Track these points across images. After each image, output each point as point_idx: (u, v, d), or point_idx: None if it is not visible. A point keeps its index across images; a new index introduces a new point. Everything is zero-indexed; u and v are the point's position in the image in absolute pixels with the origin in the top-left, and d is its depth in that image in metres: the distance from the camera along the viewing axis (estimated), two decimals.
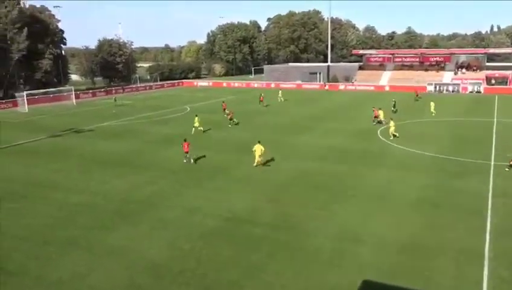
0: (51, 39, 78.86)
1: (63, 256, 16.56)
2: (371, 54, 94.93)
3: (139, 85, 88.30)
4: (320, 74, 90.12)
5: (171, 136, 38.50)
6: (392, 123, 36.35)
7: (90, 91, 76.79)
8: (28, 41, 71.22)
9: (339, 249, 16.83)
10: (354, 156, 30.51)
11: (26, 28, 70.86)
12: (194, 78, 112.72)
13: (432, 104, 48.06)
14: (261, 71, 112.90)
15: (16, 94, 62.01)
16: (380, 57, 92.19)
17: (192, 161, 29.40)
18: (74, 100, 65.03)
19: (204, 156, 30.90)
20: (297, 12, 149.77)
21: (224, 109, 50.08)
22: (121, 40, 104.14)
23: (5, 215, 20.66)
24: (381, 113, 42.78)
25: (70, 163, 29.91)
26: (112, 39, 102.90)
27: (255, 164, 28.10)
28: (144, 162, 29.81)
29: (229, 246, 17.12)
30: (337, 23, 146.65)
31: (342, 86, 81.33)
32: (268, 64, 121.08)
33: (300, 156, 30.60)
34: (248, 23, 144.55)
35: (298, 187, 23.89)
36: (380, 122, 41.92)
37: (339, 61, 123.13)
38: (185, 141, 30.00)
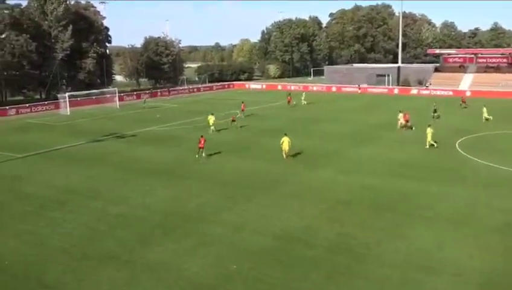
0: (95, 37, 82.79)
1: (101, 270, 17.14)
2: (449, 54, 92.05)
3: (186, 87, 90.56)
4: (389, 76, 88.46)
5: (219, 143, 39.04)
6: (429, 130, 35.95)
7: (135, 93, 79.66)
8: (72, 40, 75.18)
9: (408, 279, 16.27)
10: (426, 171, 29.56)
11: (71, 26, 74.89)
12: (246, 79, 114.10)
13: (485, 109, 47.61)
14: (321, 73, 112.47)
15: (58, 95, 65.48)
16: (460, 57, 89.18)
17: (203, 155, 32.97)
18: (118, 103, 67.63)
19: (256, 168, 31.05)
20: (363, 6, 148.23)
21: (243, 110, 53.81)
22: (168, 39, 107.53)
23: (45, 224, 21.74)
24: (400, 117, 44.34)
25: (110, 170, 31.06)
26: (158, 37, 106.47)
27: (284, 157, 32.45)
28: (188, 172, 30.42)
29: (280, 269, 17.02)
30: (410, 19, 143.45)
31: (414, 90, 79.34)
32: (329, 64, 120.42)
33: (363, 170, 30.07)
34: (307, 19, 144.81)
35: (360, 205, 23.46)
36: (410, 127, 43.21)
37: (412, 62, 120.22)
38: (201, 137, 33.62)
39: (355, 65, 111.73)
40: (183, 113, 54.44)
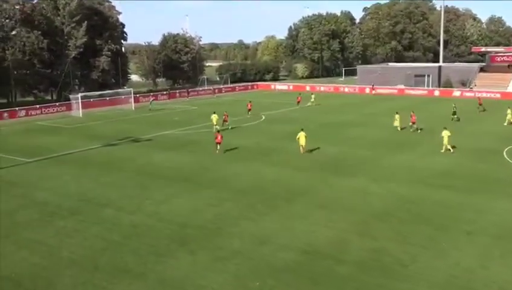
0: (110, 34, 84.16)
1: (113, 284, 17.32)
2: (496, 53, 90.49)
3: (206, 87, 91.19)
4: (428, 76, 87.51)
5: (241, 149, 39.17)
6: (445, 133, 36.42)
7: (151, 94, 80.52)
8: (86, 37, 76.54)
9: None
10: (469, 181, 29.10)
11: (86, 22, 76.25)
12: (271, 80, 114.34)
13: (509, 111, 48.22)
14: (353, 72, 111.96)
15: (70, 96, 66.71)
16: (508, 56, 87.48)
17: (217, 151, 36.92)
18: (133, 104, 68.53)
19: (279, 175, 31.08)
20: (400, 0, 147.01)
21: (249, 110, 57.26)
22: (188, 35, 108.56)
23: (54, 233, 22.11)
24: (397, 118, 46.39)
25: (124, 177, 31.46)
26: (177, 34, 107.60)
27: (302, 152, 35.98)
28: (207, 179, 30.59)
29: (306, 287, 16.92)
30: (452, 14, 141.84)
31: (457, 92, 78.26)
32: (362, 64, 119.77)
33: (398, 179, 29.80)
34: (339, 14, 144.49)
35: (395, 217, 23.22)
36: (416, 129, 44.96)
37: (454, 61, 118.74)
38: (218, 132, 38.58)
39: (391, 64, 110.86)
40: (203, 116, 54.79)
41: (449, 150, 36.18)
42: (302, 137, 36.45)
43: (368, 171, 31.65)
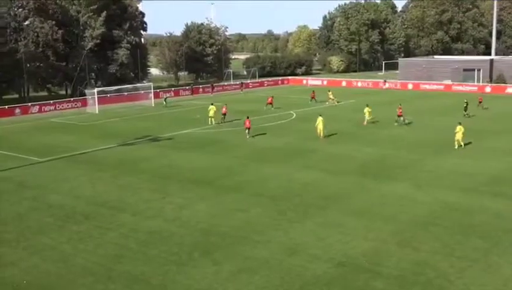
0: (129, 24, 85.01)
1: None
2: None
3: (232, 82, 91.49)
4: (479, 71, 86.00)
5: (270, 150, 39.17)
6: (459, 128, 38.23)
7: (173, 89, 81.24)
8: (103, 27, 77.56)
9: None
10: None
11: (105, 12, 77.21)
12: (303, 74, 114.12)
13: None
14: (394, 66, 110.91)
15: (86, 91, 67.78)
16: None
17: (247, 136, 42.73)
18: (153, 100, 69.19)
19: (312, 179, 30.99)
20: None
21: (270, 103, 60.26)
22: (213, 25, 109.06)
23: (68, 239, 22.48)
24: (367, 112, 49.45)
25: (142, 179, 31.79)
26: (201, 24, 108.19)
27: (321, 137, 41.48)
28: (232, 182, 30.69)
29: None
30: (507, 1, 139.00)
31: (510, 89, 76.71)
32: (404, 56, 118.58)
33: (444, 185, 29.41)
34: (379, 1, 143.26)
35: (440, 227, 22.92)
36: (404, 122, 48.15)
37: (508, 54, 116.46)
38: (247, 118, 43.47)
39: (437, 57, 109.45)
40: (229, 113, 54.93)
41: (461, 145, 37.90)
42: (320, 123, 42.06)
43: (410, 176, 31.31)
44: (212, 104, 52.16)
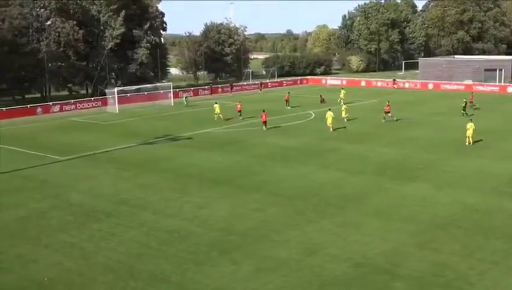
0: (149, 24, 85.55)
1: None
2: None
3: (251, 82, 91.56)
4: (501, 70, 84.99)
5: (288, 149, 39.19)
6: (470, 125, 39.26)
7: (192, 89, 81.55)
8: (123, 27, 78.20)
9: None
10: None
11: (123, 11, 77.90)
12: (322, 74, 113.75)
13: None
14: (414, 66, 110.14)
15: (106, 91, 68.36)
16: None
17: (264, 128, 46.08)
18: (172, 100, 69.57)
19: (330, 179, 30.99)
20: None
21: (287, 101, 62.18)
22: (232, 25, 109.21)
23: (89, 237, 22.77)
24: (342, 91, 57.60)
25: (162, 178, 32.02)
26: (221, 24, 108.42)
27: (331, 130, 44.43)
28: (250, 182, 30.79)
29: None
30: None
31: None
32: (424, 56, 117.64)
33: (466, 186, 29.17)
34: (399, 1, 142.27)
35: (461, 229, 22.76)
36: (392, 118, 50.03)
37: None
38: (263, 111, 46.91)
39: (458, 57, 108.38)
40: (247, 112, 55.08)
41: (470, 143, 39.11)
42: (329, 117, 45.13)
43: (431, 176, 31.11)
44: (216, 102, 54.98)
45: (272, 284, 18.10)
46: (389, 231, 22.58)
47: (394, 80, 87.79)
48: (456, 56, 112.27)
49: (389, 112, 50.50)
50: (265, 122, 46.94)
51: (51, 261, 20.30)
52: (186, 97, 69.17)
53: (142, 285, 18.21)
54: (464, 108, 53.78)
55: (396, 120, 50.12)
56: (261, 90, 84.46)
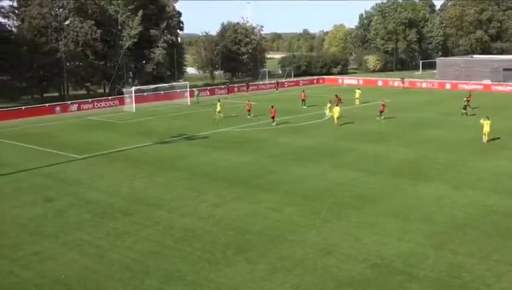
0: (166, 24, 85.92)
1: None
2: None
3: (267, 81, 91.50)
4: None
5: (304, 149, 39.11)
6: (486, 122, 39.44)
7: (208, 88, 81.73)
8: (140, 27, 78.69)
9: None
10: None
11: (141, 11, 78.40)
12: (339, 73, 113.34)
13: None
14: (432, 66, 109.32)
15: (124, 90, 68.80)
16: None
17: (274, 124, 48.24)
18: (188, 99, 69.78)
19: (347, 179, 30.88)
20: None
21: (303, 100, 62.42)
22: (249, 24, 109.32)
23: (105, 235, 22.91)
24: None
25: (178, 177, 32.12)
26: (237, 23, 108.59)
27: (336, 124, 46.61)
28: (266, 182, 30.74)
29: None
30: None
31: None
32: (442, 56, 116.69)
33: (484, 187, 28.89)
34: (417, 0, 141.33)
35: (478, 230, 22.55)
36: (381, 116, 50.80)
37: None
38: (272, 107, 49.42)
39: (476, 56, 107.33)
40: (263, 112, 55.07)
41: (486, 140, 39.38)
42: (336, 112, 48.19)
43: (448, 177, 30.85)
44: (219, 100, 57.11)
45: (288, 283, 18.04)
46: (406, 232, 22.41)
47: (402, 78, 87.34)
48: (474, 56, 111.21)
49: (383, 112, 51.22)
50: (273, 118, 48.84)
51: (67, 259, 20.44)
52: (197, 94, 69.38)
53: (157, 283, 18.26)
54: (465, 107, 53.74)
55: (383, 119, 50.80)
56: (277, 89, 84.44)
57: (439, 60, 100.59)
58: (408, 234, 22.16)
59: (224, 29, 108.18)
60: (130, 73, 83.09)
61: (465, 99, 54.95)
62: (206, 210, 25.82)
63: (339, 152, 37.92)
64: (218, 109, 53.70)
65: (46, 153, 39.61)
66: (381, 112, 51.22)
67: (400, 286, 17.78)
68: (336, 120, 47.77)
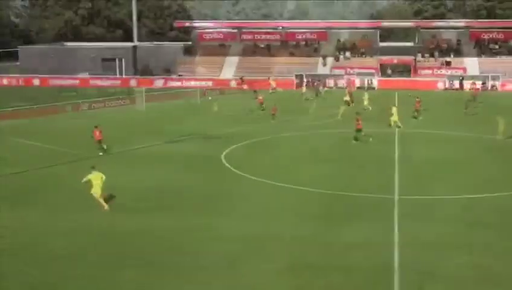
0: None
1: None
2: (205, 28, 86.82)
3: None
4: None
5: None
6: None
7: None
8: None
9: None
10: None
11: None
12: None
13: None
14: (11, 56, 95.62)
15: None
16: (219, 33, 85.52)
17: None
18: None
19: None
20: None
21: (350, 97, 58.47)
22: None
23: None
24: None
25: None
26: None
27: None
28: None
29: None
30: None
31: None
32: (25, 44, 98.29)
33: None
34: None
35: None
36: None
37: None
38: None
39: (69, 44, 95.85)
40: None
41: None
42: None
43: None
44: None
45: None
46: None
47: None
48: (66, 43, 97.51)
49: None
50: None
51: None
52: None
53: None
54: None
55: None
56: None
57: (22, 49, 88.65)
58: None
59: None
60: None
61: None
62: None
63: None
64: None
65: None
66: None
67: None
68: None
